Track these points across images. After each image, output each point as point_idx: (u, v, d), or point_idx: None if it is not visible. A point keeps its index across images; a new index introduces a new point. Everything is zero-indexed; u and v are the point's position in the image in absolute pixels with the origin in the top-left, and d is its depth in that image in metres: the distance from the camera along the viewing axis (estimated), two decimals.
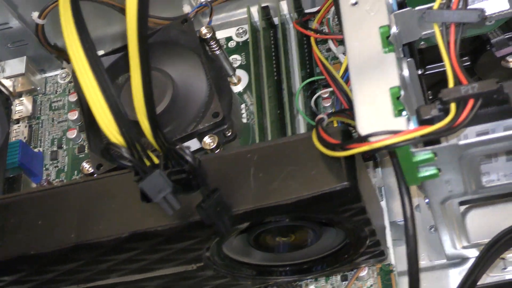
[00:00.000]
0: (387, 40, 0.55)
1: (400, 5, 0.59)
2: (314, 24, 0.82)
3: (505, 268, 0.67)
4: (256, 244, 0.64)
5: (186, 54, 0.76)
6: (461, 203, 0.60)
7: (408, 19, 0.57)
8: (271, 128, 0.76)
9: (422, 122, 0.50)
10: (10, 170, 0.83)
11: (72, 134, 0.86)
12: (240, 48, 0.87)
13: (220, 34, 0.87)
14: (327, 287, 0.72)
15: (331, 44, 0.81)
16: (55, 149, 0.87)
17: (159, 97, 0.72)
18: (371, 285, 0.70)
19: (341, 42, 0.80)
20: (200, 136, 0.73)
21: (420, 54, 0.65)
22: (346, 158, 0.54)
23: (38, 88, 0.92)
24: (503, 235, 0.61)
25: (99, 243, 0.57)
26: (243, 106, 0.82)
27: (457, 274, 0.69)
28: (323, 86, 0.81)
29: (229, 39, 0.88)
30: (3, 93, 0.90)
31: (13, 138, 0.88)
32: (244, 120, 0.81)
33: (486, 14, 0.59)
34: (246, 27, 0.86)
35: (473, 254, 0.67)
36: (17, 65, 0.90)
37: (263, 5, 0.85)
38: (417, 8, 0.57)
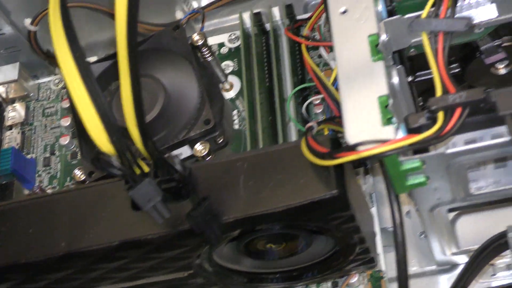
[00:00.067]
0: (376, 49, 0.55)
1: (390, 13, 0.60)
2: (305, 31, 0.82)
3: (494, 275, 0.67)
4: (246, 252, 0.64)
5: (178, 61, 0.76)
6: (450, 210, 0.60)
7: (397, 26, 0.57)
8: (263, 135, 0.76)
9: (411, 131, 0.50)
10: (2, 177, 0.83)
11: (65, 140, 0.86)
12: (232, 54, 0.87)
13: (213, 40, 0.87)
14: None
15: (322, 51, 0.81)
16: (47, 155, 0.87)
17: (151, 104, 0.72)
18: None
19: (332, 48, 0.80)
20: (191, 143, 0.73)
21: (410, 61, 0.65)
22: (335, 166, 0.54)
23: (31, 94, 0.92)
24: (492, 241, 0.61)
25: (89, 252, 0.57)
26: (235, 112, 0.83)
27: (447, 280, 0.69)
28: (314, 93, 0.80)
29: (221, 45, 0.88)
30: None
31: (6, 145, 0.88)
32: (237, 126, 0.81)
33: (475, 22, 0.59)
34: (238, 33, 0.86)
35: (462, 260, 0.68)
36: (10, 71, 0.90)
37: (255, 11, 0.85)
38: (406, 16, 0.57)
